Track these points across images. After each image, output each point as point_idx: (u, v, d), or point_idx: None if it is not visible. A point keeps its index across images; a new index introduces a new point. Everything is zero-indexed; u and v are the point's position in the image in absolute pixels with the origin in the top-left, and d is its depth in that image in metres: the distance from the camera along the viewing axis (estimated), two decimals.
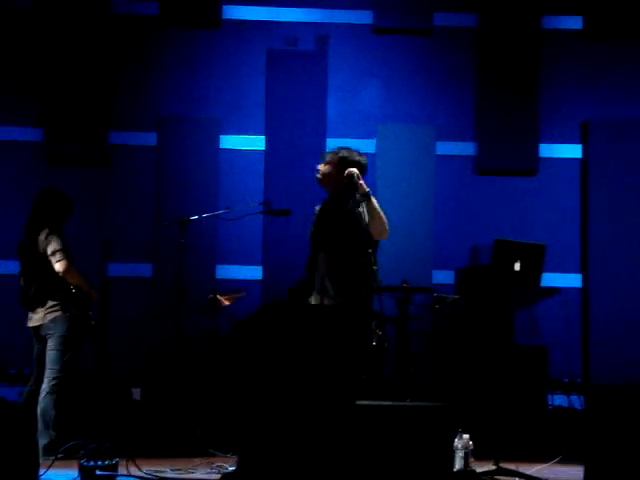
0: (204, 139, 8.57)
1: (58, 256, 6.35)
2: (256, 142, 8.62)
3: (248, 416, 1.41)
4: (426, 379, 7.55)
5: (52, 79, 8.43)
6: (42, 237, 6.39)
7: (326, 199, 5.90)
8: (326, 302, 5.60)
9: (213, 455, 6.21)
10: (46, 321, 6.38)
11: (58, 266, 6.35)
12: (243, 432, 1.46)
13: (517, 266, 6.52)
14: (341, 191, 5.76)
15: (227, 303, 7.33)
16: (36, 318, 6.43)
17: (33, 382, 6.49)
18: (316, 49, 8.73)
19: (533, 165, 8.70)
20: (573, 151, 8.77)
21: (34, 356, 6.52)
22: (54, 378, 6.31)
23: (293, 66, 8.64)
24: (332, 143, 8.55)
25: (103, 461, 5.05)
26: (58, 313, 6.38)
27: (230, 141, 8.62)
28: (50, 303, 6.39)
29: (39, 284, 6.40)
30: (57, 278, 6.38)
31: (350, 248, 5.67)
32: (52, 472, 5.11)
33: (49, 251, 6.36)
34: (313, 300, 5.69)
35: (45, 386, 6.31)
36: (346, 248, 5.69)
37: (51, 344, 6.37)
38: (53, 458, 5.51)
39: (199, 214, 7.30)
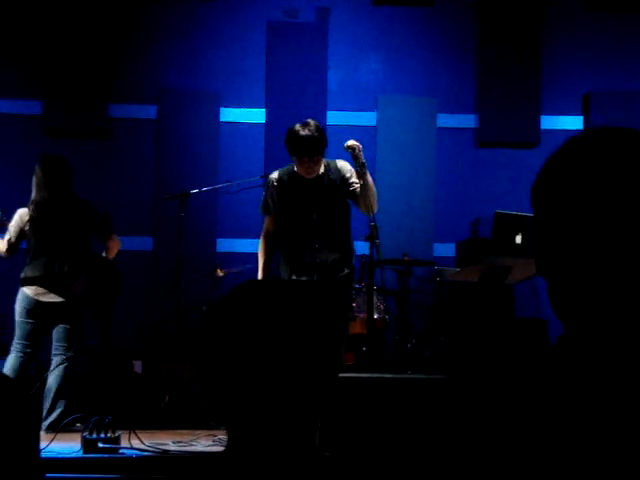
0: (204, 112, 8.53)
1: (112, 229, 6.33)
2: (256, 115, 8.59)
3: (235, 396, 1.39)
4: (427, 352, 7.56)
5: (52, 51, 8.38)
6: (82, 210, 6.25)
7: (293, 172, 5.81)
8: (316, 277, 5.73)
9: (215, 427, 6.23)
10: (72, 298, 6.22)
11: (118, 242, 6.34)
12: (230, 411, 1.44)
13: (518, 238, 6.52)
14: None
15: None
16: (59, 294, 6.22)
17: (24, 354, 6.28)
18: (316, 21, 8.68)
19: (534, 137, 8.67)
20: (574, 123, 8.74)
21: (32, 330, 6.25)
22: (72, 354, 6.25)
23: (293, 38, 8.59)
24: (333, 116, 8.54)
25: (105, 434, 5.07)
26: (84, 290, 6.26)
27: (230, 114, 8.59)
28: (81, 280, 6.24)
29: (74, 260, 6.21)
30: (89, 254, 6.28)
31: (346, 223, 5.81)
32: (55, 445, 5.13)
33: (103, 228, 6.30)
34: (298, 275, 5.75)
35: (62, 362, 6.23)
36: (344, 223, 5.80)
37: (73, 320, 6.25)
38: (56, 431, 5.53)
39: (199, 187, 7.29)
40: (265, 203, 5.88)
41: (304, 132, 5.54)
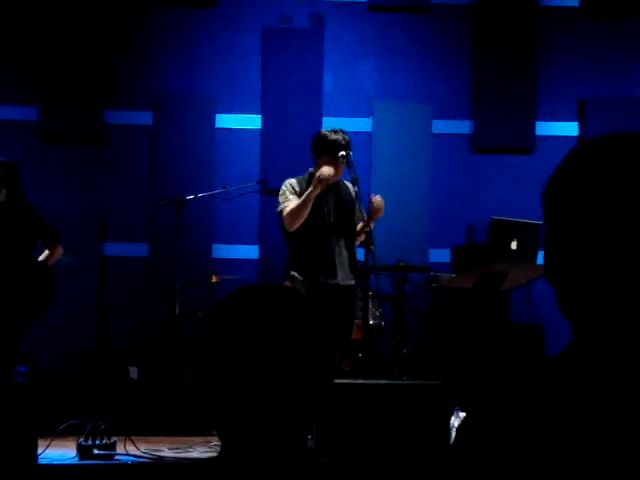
0: (199, 118, 8.53)
1: (58, 240, 6.17)
2: (252, 121, 8.60)
3: (230, 400, 1.39)
4: (422, 357, 7.56)
5: (47, 57, 8.37)
6: (32, 216, 6.01)
7: (309, 179, 5.89)
8: (351, 282, 5.93)
9: (211, 434, 6.22)
10: (22, 308, 5.85)
11: (62, 252, 6.17)
12: (226, 415, 1.44)
13: (514, 244, 6.53)
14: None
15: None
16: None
17: None
18: (312, 27, 8.68)
19: (530, 143, 8.69)
20: (569, 129, 8.76)
21: None
22: None
23: (289, 44, 8.60)
24: (328, 121, 8.54)
25: (101, 440, 5.06)
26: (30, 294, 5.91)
27: (226, 120, 8.59)
28: (29, 288, 5.90)
29: (25, 267, 5.92)
30: (32, 259, 6.08)
31: (355, 233, 6.01)
32: (50, 451, 5.13)
33: (48, 235, 6.12)
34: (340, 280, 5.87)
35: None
36: (354, 232, 6.00)
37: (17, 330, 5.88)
38: (51, 437, 5.51)
39: (195, 193, 7.29)
40: (286, 195, 5.90)
41: (338, 135, 5.82)
